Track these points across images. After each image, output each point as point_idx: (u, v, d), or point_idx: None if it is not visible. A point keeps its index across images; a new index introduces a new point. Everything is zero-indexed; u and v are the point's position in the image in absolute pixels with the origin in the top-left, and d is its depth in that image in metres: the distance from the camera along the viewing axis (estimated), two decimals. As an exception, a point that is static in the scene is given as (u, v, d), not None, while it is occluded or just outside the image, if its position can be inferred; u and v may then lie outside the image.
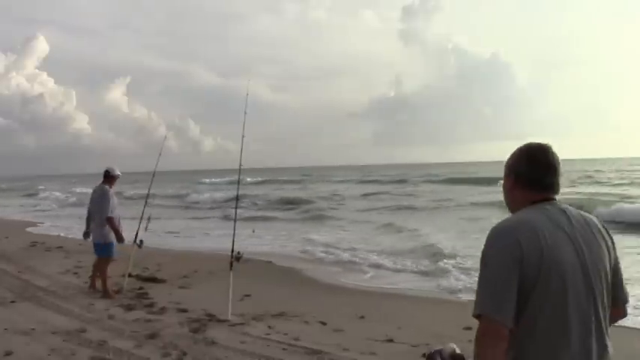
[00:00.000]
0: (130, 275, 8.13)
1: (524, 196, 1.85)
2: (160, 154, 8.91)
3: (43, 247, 12.56)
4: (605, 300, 1.77)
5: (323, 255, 11.33)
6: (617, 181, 33.20)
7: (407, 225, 16.38)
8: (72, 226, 17.09)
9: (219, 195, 32.80)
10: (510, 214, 1.90)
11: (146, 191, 8.89)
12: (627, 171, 44.21)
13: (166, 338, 5.40)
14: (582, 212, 1.87)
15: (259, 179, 49.91)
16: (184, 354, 4.94)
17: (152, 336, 5.49)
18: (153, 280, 8.53)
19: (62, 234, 16.10)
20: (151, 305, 6.91)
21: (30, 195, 44.52)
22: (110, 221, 7.47)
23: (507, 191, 1.94)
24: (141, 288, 7.96)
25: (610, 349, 1.76)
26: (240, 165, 7.06)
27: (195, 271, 9.25)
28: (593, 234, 1.80)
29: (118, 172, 7.83)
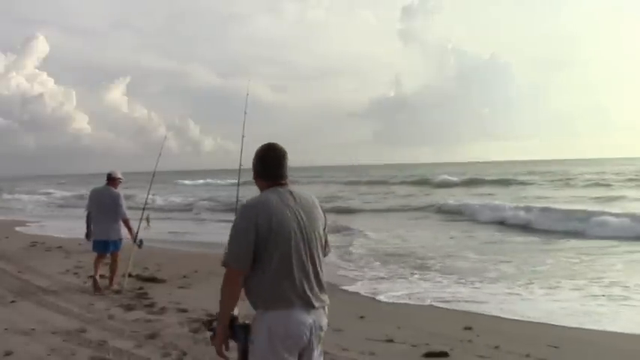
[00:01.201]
0: (130, 275, 8.13)
1: (263, 184, 2.68)
2: (160, 155, 8.93)
3: (43, 247, 12.57)
4: (320, 250, 2.62)
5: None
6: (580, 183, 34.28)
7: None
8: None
9: (177, 200, 31.52)
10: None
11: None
12: (607, 173, 44.03)
13: (166, 338, 5.40)
14: (305, 193, 2.71)
15: (233, 181, 47.26)
16: (184, 354, 4.95)
17: (152, 336, 5.49)
18: (153, 280, 8.54)
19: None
20: (151, 305, 6.91)
21: None
22: (127, 222, 7.96)
23: (254, 179, 2.76)
24: (141, 288, 7.96)
25: (325, 283, 2.62)
26: (240, 165, 7.06)
27: (195, 271, 9.25)
28: (311, 207, 2.64)
29: (119, 175, 8.23)
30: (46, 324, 6.00)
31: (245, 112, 7.09)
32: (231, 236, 2.51)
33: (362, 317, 6.42)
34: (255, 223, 2.45)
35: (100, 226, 7.93)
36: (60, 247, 12.31)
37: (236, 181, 6.14)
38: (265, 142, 2.72)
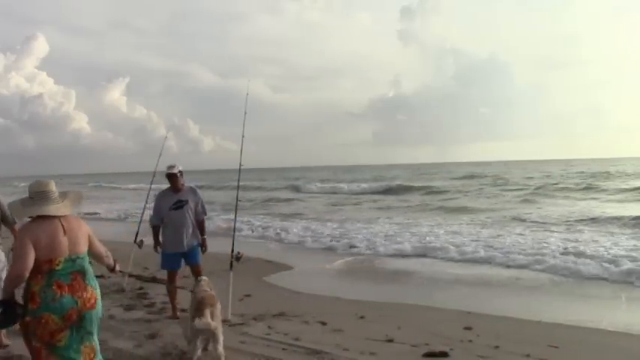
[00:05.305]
0: (130, 275, 8.11)
1: None
2: (161, 154, 8.92)
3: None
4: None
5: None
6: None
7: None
8: None
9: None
10: None
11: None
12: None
13: (166, 338, 5.40)
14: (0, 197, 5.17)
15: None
16: (184, 354, 4.94)
17: (152, 336, 5.49)
18: (153, 280, 8.52)
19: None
20: (151, 305, 6.91)
21: None
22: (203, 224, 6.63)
23: None
24: (141, 288, 7.95)
25: None
26: (240, 165, 7.07)
27: (195, 271, 9.22)
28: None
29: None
30: (46, 324, 5.97)
31: (245, 112, 7.11)
32: None
33: (362, 317, 6.42)
34: None
35: (182, 237, 6.47)
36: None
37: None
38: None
